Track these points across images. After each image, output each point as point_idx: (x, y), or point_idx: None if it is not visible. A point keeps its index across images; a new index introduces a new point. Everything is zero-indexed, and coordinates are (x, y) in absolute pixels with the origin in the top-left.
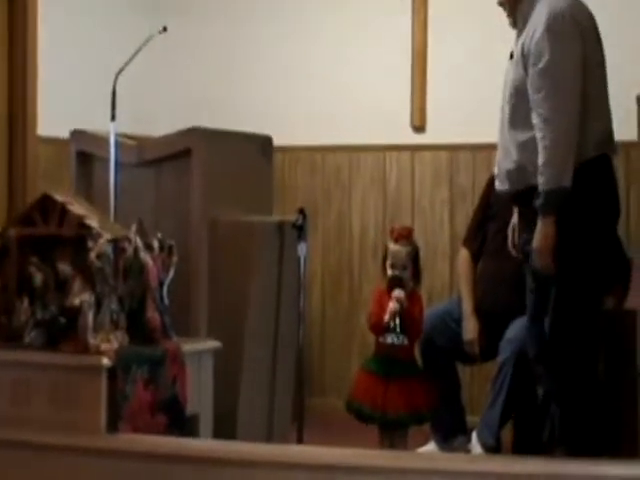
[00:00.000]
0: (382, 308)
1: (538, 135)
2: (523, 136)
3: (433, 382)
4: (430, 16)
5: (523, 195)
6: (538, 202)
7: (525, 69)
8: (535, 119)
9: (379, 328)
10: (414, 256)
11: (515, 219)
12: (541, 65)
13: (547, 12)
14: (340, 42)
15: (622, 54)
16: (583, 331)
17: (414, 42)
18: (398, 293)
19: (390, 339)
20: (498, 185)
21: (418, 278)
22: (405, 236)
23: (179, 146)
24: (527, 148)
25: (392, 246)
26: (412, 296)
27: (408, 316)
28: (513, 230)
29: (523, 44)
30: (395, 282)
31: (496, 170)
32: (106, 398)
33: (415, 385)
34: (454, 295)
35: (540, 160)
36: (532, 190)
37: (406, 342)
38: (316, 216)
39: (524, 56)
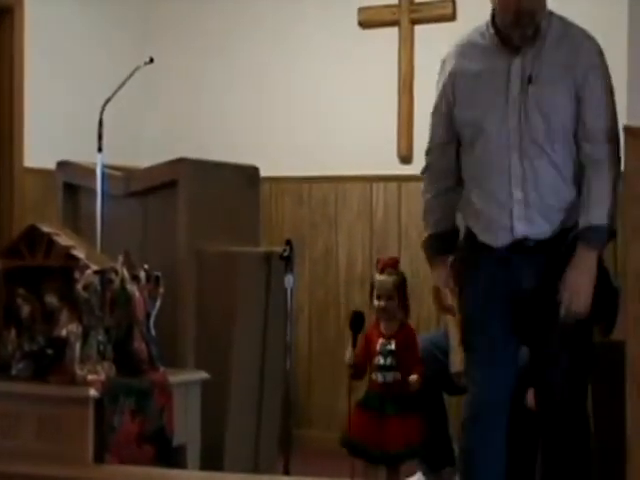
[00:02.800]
0: (368, 347)
1: (596, 167)
2: (572, 171)
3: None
4: (416, 46)
5: (560, 237)
6: (589, 236)
7: (575, 94)
8: (595, 151)
9: (357, 371)
10: (400, 286)
11: (442, 275)
12: (604, 97)
13: (585, 38)
14: (327, 73)
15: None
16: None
17: (400, 72)
18: (349, 354)
19: (381, 377)
20: (532, 229)
21: (406, 309)
22: (391, 265)
23: (166, 177)
24: (576, 183)
25: (378, 277)
26: (403, 329)
27: (401, 351)
28: (447, 283)
29: (566, 65)
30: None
31: (527, 213)
32: (93, 429)
33: (411, 420)
34: (441, 325)
35: (595, 193)
36: (567, 231)
37: (399, 377)
38: (303, 247)
39: (571, 80)
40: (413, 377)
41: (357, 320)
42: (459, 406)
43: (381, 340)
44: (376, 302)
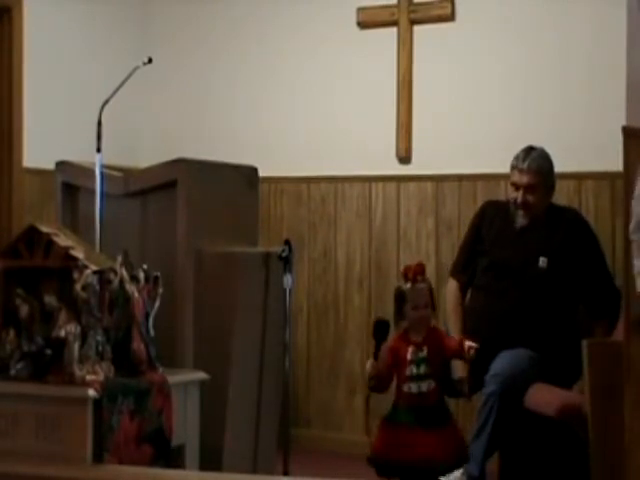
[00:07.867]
0: (395, 358)
1: None
2: None
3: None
4: (415, 47)
5: None
6: None
7: None
8: None
9: (380, 384)
10: (431, 292)
11: None
12: None
13: None
14: (326, 73)
15: (610, 85)
16: None
17: (399, 73)
18: (369, 365)
19: (415, 387)
20: None
21: (435, 313)
22: (421, 272)
23: (165, 177)
24: None
25: (411, 286)
26: (432, 333)
27: (433, 357)
28: None
29: None
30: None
31: None
32: (92, 429)
33: (449, 431)
34: (441, 325)
35: None
36: None
37: (433, 385)
38: (302, 247)
39: None
40: (468, 343)
41: (382, 328)
42: (457, 406)
43: (411, 348)
44: (415, 313)
